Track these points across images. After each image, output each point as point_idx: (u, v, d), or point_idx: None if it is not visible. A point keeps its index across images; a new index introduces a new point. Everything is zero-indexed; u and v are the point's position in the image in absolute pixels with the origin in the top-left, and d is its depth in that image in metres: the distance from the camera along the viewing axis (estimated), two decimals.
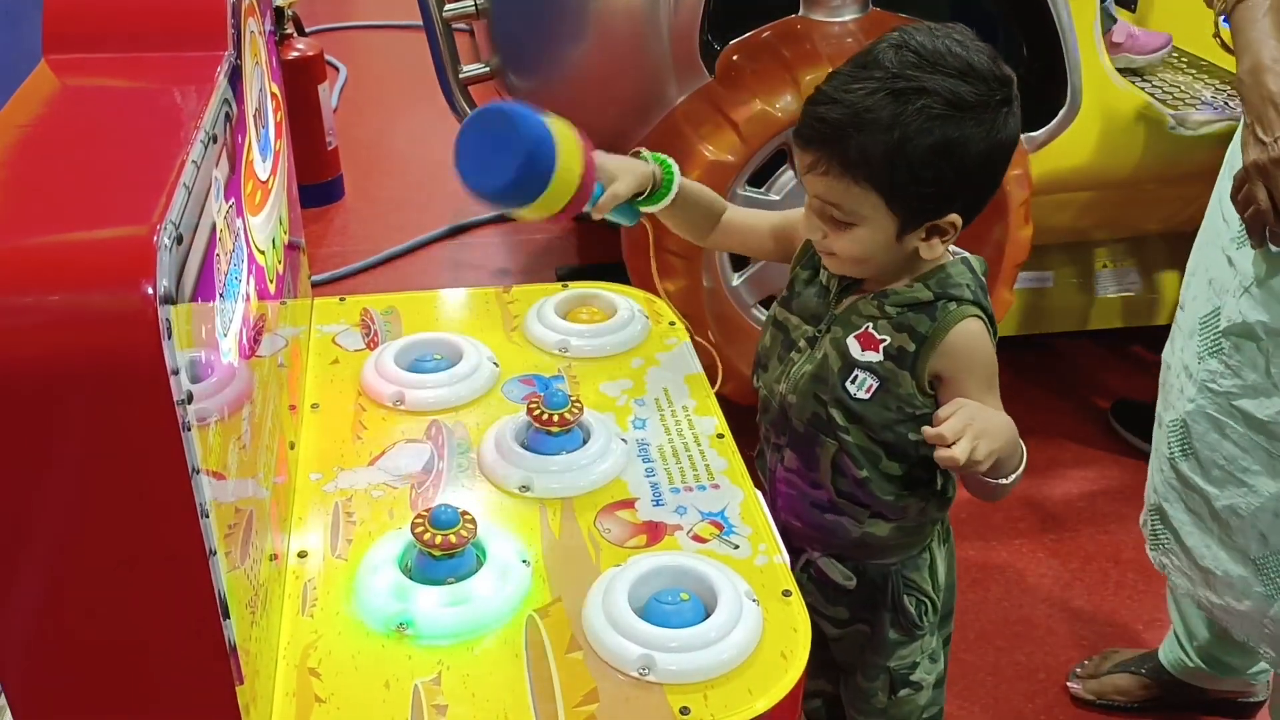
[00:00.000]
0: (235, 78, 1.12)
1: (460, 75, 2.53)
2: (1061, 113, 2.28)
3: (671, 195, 1.35)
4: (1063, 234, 2.54)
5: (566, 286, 1.72)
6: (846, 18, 2.25)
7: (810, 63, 2.17)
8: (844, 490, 1.29)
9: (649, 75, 2.24)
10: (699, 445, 1.41)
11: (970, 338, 1.21)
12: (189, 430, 0.81)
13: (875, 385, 1.22)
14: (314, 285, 2.78)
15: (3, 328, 0.76)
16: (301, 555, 1.23)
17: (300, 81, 3.37)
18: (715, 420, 1.46)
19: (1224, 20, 1.48)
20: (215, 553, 0.86)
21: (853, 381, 1.23)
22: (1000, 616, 2.12)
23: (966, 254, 1.26)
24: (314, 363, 1.56)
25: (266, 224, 1.26)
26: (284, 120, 1.50)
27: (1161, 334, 1.72)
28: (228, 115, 1.04)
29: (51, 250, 0.80)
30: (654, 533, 1.26)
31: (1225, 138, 1.59)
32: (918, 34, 1.15)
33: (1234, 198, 1.40)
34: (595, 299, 1.69)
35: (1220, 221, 1.51)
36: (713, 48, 2.27)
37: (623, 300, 1.67)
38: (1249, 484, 1.48)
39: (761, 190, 2.30)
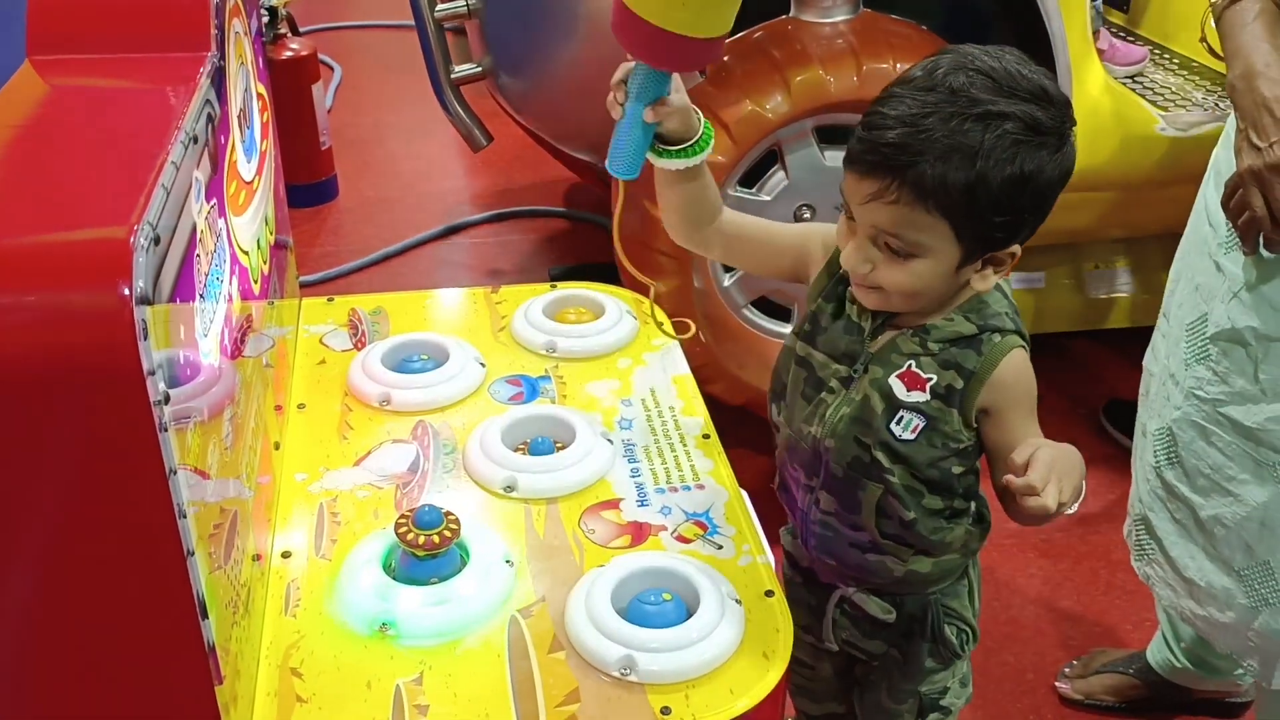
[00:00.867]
0: (219, 78, 1.12)
1: (452, 75, 2.53)
2: None
3: (700, 156, 1.23)
4: (1053, 235, 2.54)
5: (555, 287, 1.73)
6: (837, 18, 2.25)
7: (801, 63, 2.17)
8: (888, 532, 1.22)
9: None
10: (685, 446, 1.41)
11: (1017, 370, 1.16)
12: (166, 430, 0.81)
13: (921, 425, 1.16)
14: (307, 285, 2.78)
15: None
16: (285, 555, 1.23)
17: (294, 81, 3.36)
18: (701, 421, 1.46)
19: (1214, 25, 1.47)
20: (193, 553, 0.86)
21: (898, 423, 1.16)
22: (989, 617, 2.12)
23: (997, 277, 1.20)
24: (301, 363, 1.56)
25: (251, 224, 1.26)
26: (271, 121, 1.50)
27: (1150, 333, 1.72)
28: (210, 116, 1.04)
29: (29, 251, 0.81)
30: (638, 533, 1.27)
31: (1216, 139, 1.58)
32: (981, 56, 1.08)
33: (1225, 204, 1.39)
34: (583, 300, 1.69)
35: (1206, 227, 1.51)
36: None
37: (610, 301, 1.67)
38: (1235, 493, 1.48)
39: (752, 191, 2.30)
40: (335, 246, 3.37)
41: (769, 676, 1.10)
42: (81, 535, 0.84)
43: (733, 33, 2.34)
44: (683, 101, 1.21)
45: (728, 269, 2.38)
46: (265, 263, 1.34)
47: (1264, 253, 1.38)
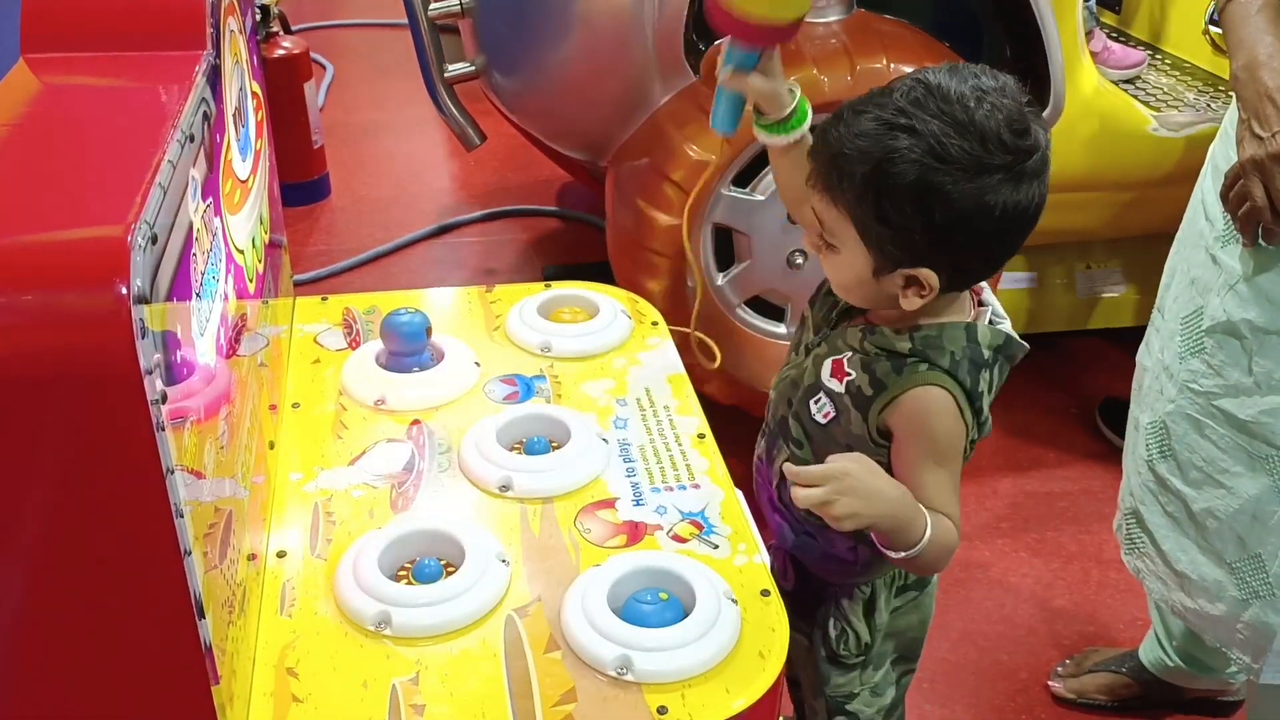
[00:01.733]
0: (214, 77, 1.12)
1: (445, 74, 2.53)
2: (1044, 114, 2.29)
3: (790, 135, 1.27)
4: (1047, 235, 2.54)
5: (550, 286, 1.72)
6: (831, 18, 2.26)
7: (794, 63, 2.17)
8: (784, 499, 1.25)
9: (634, 75, 2.25)
10: (680, 445, 1.41)
11: (926, 406, 1.15)
12: (163, 430, 0.81)
13: (832, 414, 1.20)
14: (299, 284, 2.78)
15: None
16: (280, 555, 1.22)
17: (286, 80, 3.36)
18: (697, 420, 1.46)
19: (1212, 18, 1.48)
20: (190, 552, 0.86)
21: (815, 402, 1.22)
22: (982, 616, 2.12)
23: (999, 321, 1.20)
24: (295, 362, 1.56)
25: (246, 223, 1.26)
26: (265, 119, 1.49)
27: (1143, 333, 1.73)
28: (206, 115, 1.04)
29: (25, 250, 0.80)
30: (634, 532, 1.27)
31: (1208, 140, 1.59)
32: (943, 73, 1.10)
33: (1225, 195, 1.40)
34: (578, 299, 1.69)
35: (1203, 221, 1.51)
36: (698, 47, 2.27)
37: (605, 300, 1.67)
38: (1227, 486, 1.49)
39: (746, 190, 2.30)
40: (328, 245, 3.37)
41: (765, 676, 1.10)
42: (78, 535, 0.84)
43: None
44: (761, 83, 1.25)
45: (721, 269, 2.38)
46: (260, 262, 1.34)
47: (1262, 244, 1.38)
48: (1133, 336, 2.69)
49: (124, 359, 0.77)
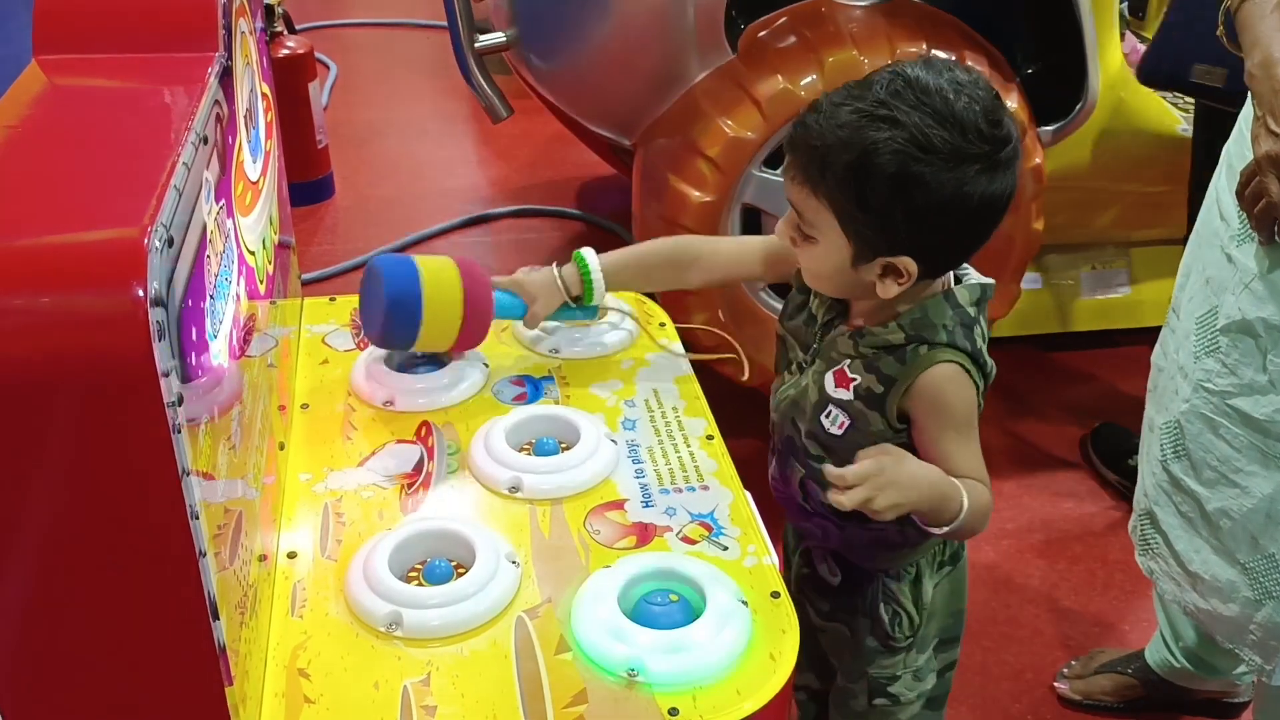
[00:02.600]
0: (226, 79, 1.12)
1: (476, 45, 2.50)
2: (1078, 108, 2.29)
3: (597, 292, 1.46)
4: (1071, 232, 2.54)
5: None
6: (870, 1, 2.25)
7: (835, 44, 2.16)
8: (814, 507, 1.32)
9: (672, 50, 2.22)
10: (689, 446, 1.41)
11: (938, 383, 1.19)
12: (179, 432, 0.81)
13: (847, 423, 1.23)
14: (304, 284, 2.78)
15: None
16: (291, 556, 1.23)
17: (290, 79, 3.36)
18: (705, 422, 1.46)
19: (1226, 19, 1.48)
20: (205, 554, 0.86)
21: (827, 416, 1.25)
22: (988, 616, 2.12)
23: (967, 278, 1.23)
24: (304, 363, 1.56)
25: (257, 225, 1.26)
26: (274, 120, 1.50)
27: (1149, 335, 1.73)
28: (218, 116, 1.04)
29: (42, 252, 0.80)
30: (643, 534, 1.27)
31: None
32: (919, 67, 1.13)
33: (1240, 193, 1.40)
34: None
35: (1218, 220, 1.51)
36: (738, 25, 2.26)
37: (613, 302, 1.67)
38: (1242, 485, 1.49)
39: (777, 172, 2.29)
40: (332, 245, 3.37)
41: (776, 678, 1.10)
42: (93, 536, 0.84)
43: (766, 11, 2.33)
44: (535, 313, 1.50)
45: None
46: (270, 263, 1.34)
47: (1278, 240, 1.39)
48: (1137, 337, 2.70)
49: (141, 361, 0.77)
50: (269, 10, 3.37)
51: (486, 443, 1.36)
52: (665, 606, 1.14)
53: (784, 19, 2.24)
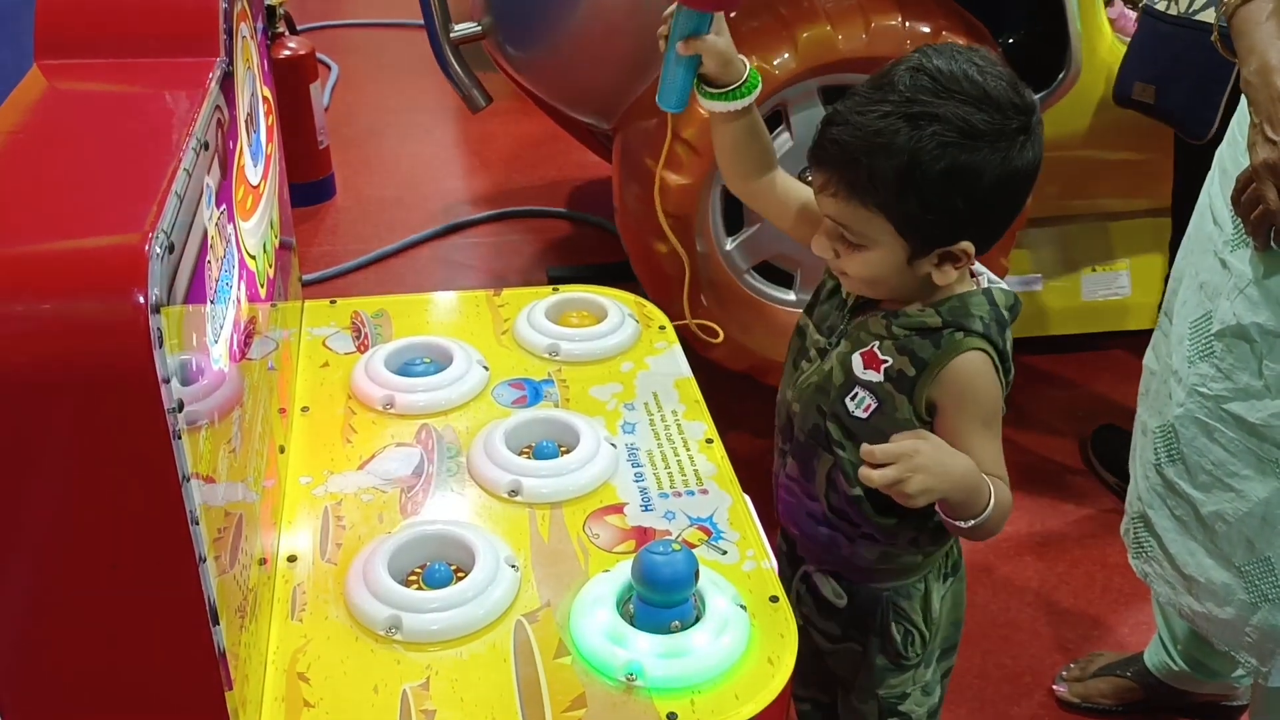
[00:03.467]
0: (227, 83, 1.12)
1: (451, 35, 2.50)
2: (1061, 77, 2.28)
3: (740, 101, 1.27)
4: (1061, 204, 2.53)
5: (557, 290, 1.73)
6: None
7: (808, 20, 2.15)
8: (836, 506, 1.27)
9: (645, 34, 2.22)
10: (688, 450, 1.41)
11: (970, 371, 1.18)
12: (179, 438, 0.81)
13: (874, 405, 1.20)
14: (304, 285, 2.78)
15: None
16: (291, 559, 1.23)
17: (291, 80, 3.36)
18: (705, 425, 1.46)
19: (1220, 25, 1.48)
20: (205, 559, 0.86)
21: (852, 398, 1.21)
22: (986, 619, 2.13)
23: (996, 283, 1.23)
24: (304, 366, 1.56)
25: (257, 229, 1.26)
26: (275, 124, 1.50)
27: (1149, 338, 1.73)
28: (219, 122, 1.04)
29: (43, 258, 0.81)
30: (642, 538, 1.27)
31: None
32: (936, 57, 1.13)
33: (1236, 199, 1.40)
34: (585, 303, 1.69)
35: (1211, 225, 1.52)
36: None
37: (613, 304, 1.67)
38: (1237, 489, 1.49)
39: None
40: (332, 246, 3.37)
41: (774, 682, 1.10)
42: (94, 541, 0.84)
43: None
44: (720, 43, 1.25)
45: (730, 233, 2.36)
46: (271, 266, 1.35)
47: (1275, 247, 1.39)
48: (1137, 339, 2.70)
49: (142, 367, 0.77)
50: (270, 11, 3.38)
51: (486, 446, 1.37)
52: (667, 555, 1.13)
53: None
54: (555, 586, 1.20)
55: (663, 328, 1.67)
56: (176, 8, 1.13)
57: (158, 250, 0.79)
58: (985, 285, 1.23)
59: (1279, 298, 1.41)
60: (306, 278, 3.03)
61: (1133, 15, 2.65)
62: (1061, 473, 2.50)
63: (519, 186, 3.72)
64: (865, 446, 1.12)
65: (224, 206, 1.05)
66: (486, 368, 1.54)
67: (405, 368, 1.53)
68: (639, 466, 1.38)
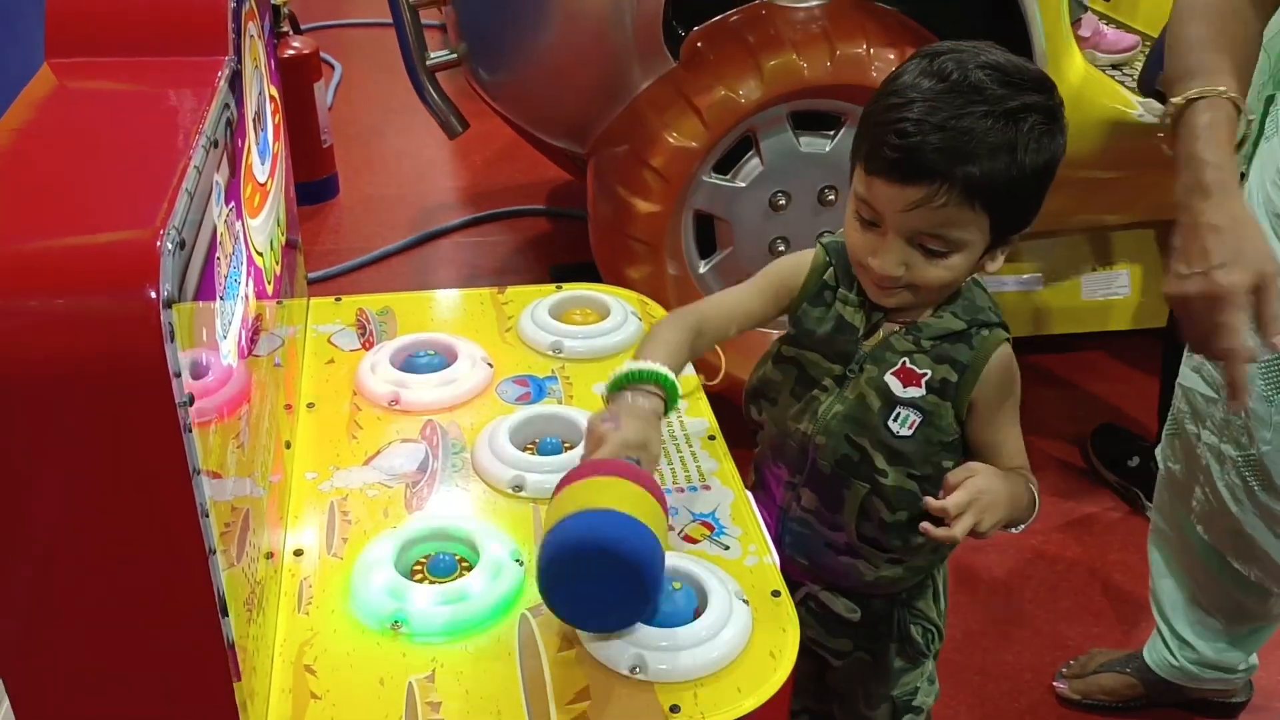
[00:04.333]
0: (236, 82, 1.13)
1: (428, 62, 2.53)
2: None
3: (678, 399, 1.23)
4: (1040, 220, 2.55)
5: (560, 288, 1.74)
6: (812, 3, 2.24)
7: (774, 48, 2.17)
8: (866, 534, 1.27)
9: (613, 61, 2.23)
10: (690, 446, 1.42)
11: (1007, 364, 1.21)
12: (190, 432, 0.82)
13: (918, 420, 1.20)
14: (312, 283, 2.79)
15: (6, 330, 0.78)
16: (297, 553, 1.24)
17: (295, 79, 3.37)
18: (707, 421, 1.47)
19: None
20: (215, 552, 0.88)
21: (895, 419, 1.21)
22: (986, 617, 2.14)
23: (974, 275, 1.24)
24: (310, 362, 1.57)
25: (265, 226, 1.27)
26: (282, 122, 1.51)
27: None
28: (228, 120, 1.05)
29: (55, 254, 0.82)
30: None
31: None
32: (975, 51, 1.11)
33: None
34: (588, 300, 1.70)
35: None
36: (677, 33, 2.26)
37: (616, 302, 1.68)
38: None
39: (727, 178, 2.30)
40: (335, 244, 3.38)
41: (776, 676, 1.11)
42: (104, 535, 0.85)
43: (706, 18, 2.34)
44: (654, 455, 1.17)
45: (703, 256, 2.37)
46: (277, 263, 1.36)
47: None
48: (1138, 339, 2.71)
49: (153, 362, 0.78)
50: (275, 10, 3.39)
51: (490, 442, 1.38)
52: (668, 595, 1.14)
53: (724, 24, 2.24)
54: None
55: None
56: (186, 7, 1.14)
57: (169, 246, 0.80)
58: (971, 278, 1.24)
59: None
60: (311, 276, 3.04)
61: (1108, 32, 2.65)
62: (1062, 471, 2.51)
63: (520, 185, 3.73)
64: (935, 502, 1.12)
65: (233, 204, 1.06)
66: (490, 365, 1.55)
67: (410, 364, 1.54)
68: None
